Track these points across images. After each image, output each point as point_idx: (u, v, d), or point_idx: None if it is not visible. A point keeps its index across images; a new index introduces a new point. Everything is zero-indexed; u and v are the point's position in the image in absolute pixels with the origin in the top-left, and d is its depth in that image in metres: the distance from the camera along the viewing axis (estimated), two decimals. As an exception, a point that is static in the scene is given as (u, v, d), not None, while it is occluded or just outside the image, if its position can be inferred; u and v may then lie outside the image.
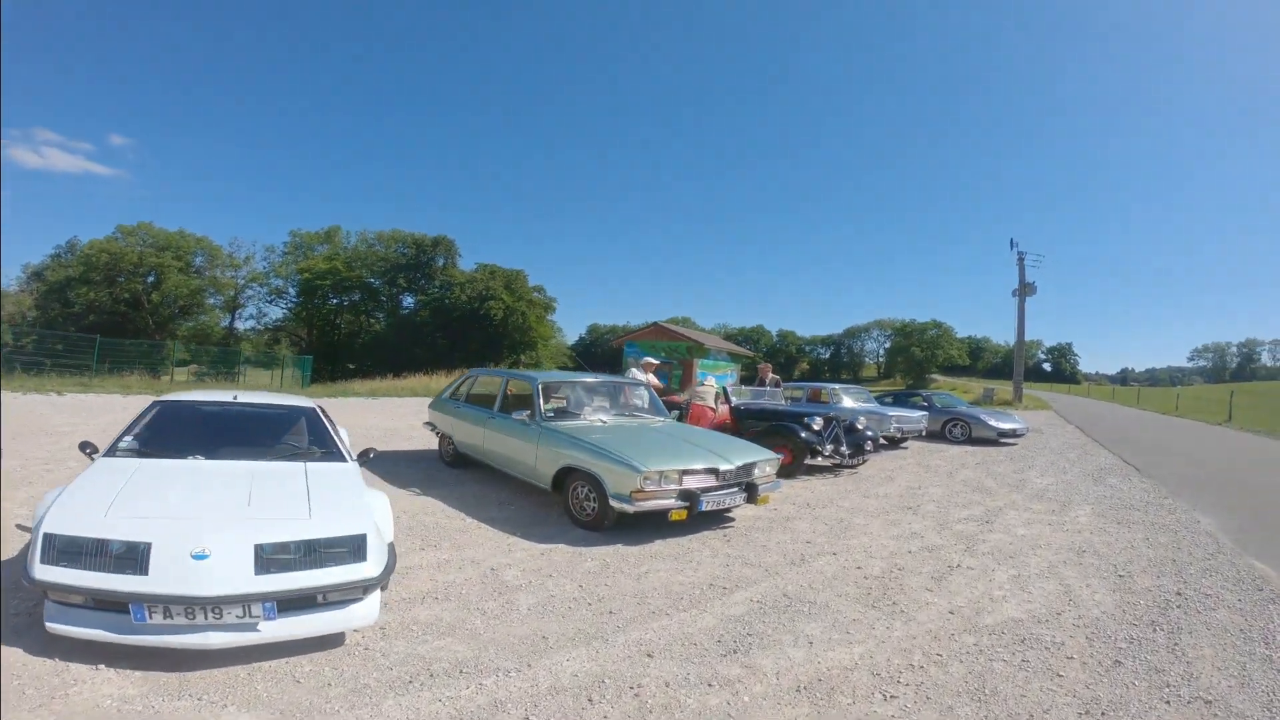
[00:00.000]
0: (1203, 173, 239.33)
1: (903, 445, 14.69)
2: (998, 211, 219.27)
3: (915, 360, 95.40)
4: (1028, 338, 38.64)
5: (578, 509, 6.46)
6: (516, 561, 5.31)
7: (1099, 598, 5.16)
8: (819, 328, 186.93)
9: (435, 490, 7.76)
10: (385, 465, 9.02)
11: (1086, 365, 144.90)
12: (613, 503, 6.02)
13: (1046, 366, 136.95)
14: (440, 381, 29.98)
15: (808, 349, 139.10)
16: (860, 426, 11.05)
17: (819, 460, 10.22)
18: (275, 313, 65.01)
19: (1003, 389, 39.59)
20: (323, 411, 5.76)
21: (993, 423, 15.65)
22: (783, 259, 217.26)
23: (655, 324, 36.87)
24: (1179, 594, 5.32)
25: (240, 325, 65.62)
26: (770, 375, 13.98)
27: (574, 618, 4.26)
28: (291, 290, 61.77)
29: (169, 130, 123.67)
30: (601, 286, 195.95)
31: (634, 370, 12.27)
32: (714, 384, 11.72)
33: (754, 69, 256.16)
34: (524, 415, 7.44)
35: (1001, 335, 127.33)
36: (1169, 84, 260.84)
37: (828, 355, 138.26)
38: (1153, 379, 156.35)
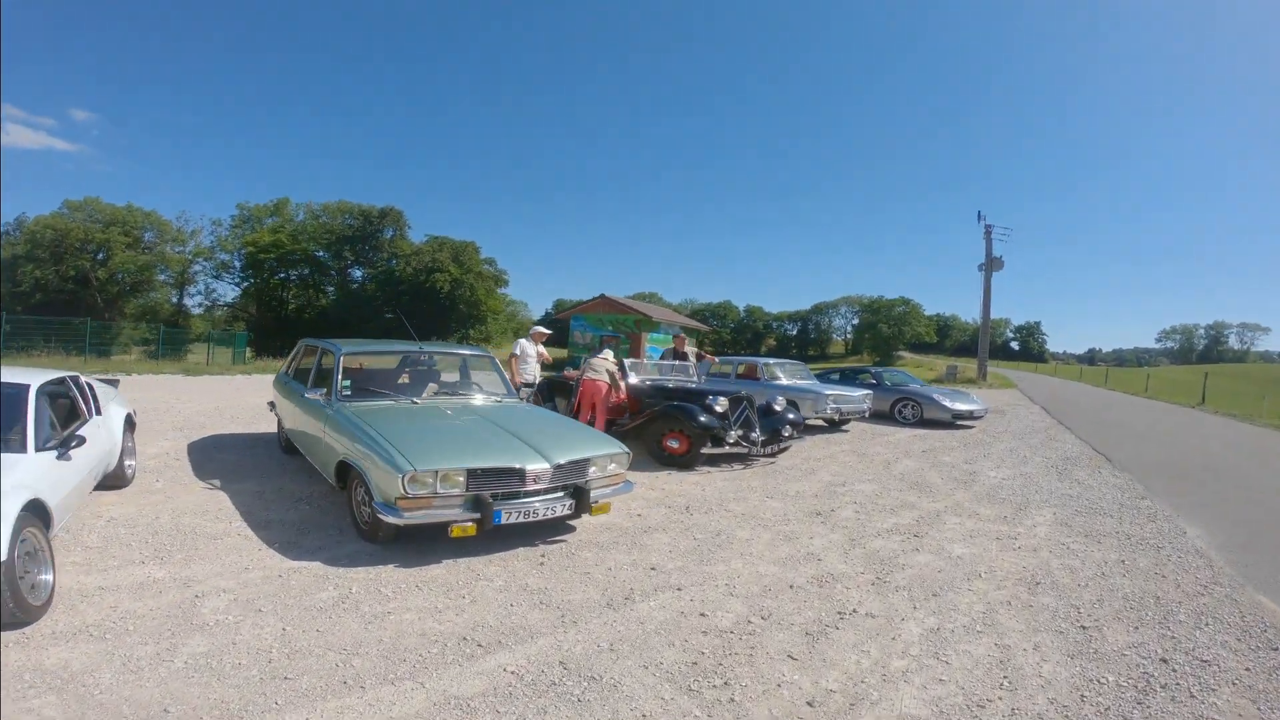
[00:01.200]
0: (1170, 154, 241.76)
1: (843, 428, 12.93)
2: (968, 189, 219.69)
3: (882, 337, 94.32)
4: (996, 316, 37.29)
5: (359, 514, 4.91)
6: (240, 586, 3.94)
7: (1048, 671, 3.39)
8: (787, 304, 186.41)
9: (240, 483, 6.36)
10: (221, 451, 7.87)
11: (1054, 345, 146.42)
12: (379, 513, 4.36)
13: (1015, 345, 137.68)
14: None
15: (775, 325, 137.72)
16: (778, 408, 9.23)
17: (727, 448, 8.34)
18: (224, 289, 62.13)
19: (968, 367, 38.25)
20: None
21: (947, 403, 13.96)
22: (752, 235, 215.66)
23: (602, 296, 34.96)
24: (1164, 661, 3.58)
25: (189, 302, 62.98)
26: (687, 347, 12.07)
27: (230, 681, 2.93)
28: (237, 265, 58.70)
29: (129, 103, 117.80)
30: (570, 263, 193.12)
31: (521, 341, 10.46)
32: (609, 358, 9.81)
33: (719, 49, 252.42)
34: (320, 393, 5.81)
35: (970, 313, 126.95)
36: (1135, 61, 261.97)
37: (795, 331, 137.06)
38: (1120, 360, 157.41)
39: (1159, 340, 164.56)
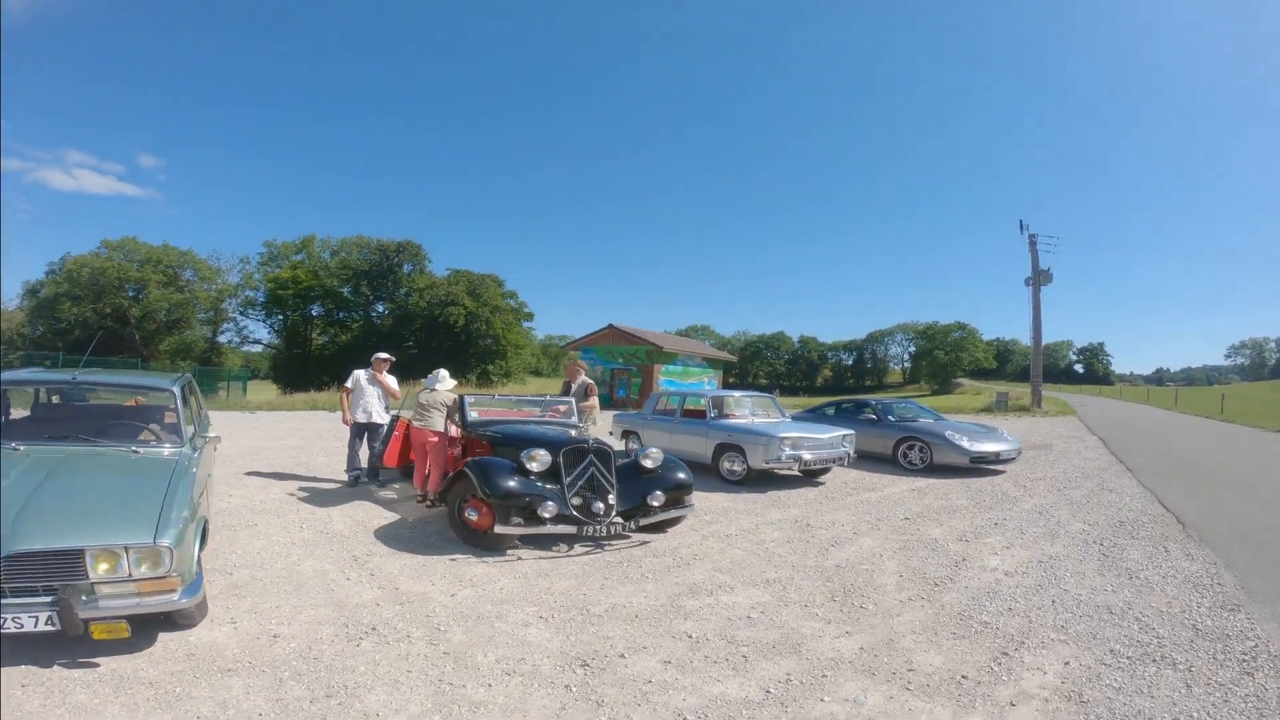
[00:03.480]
0: (1230, 163, 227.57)
1: (817, 480, 9.90)
2: (1024, 210, 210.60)
3: (939, 364, 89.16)
4: (1058, 338, 33.43)
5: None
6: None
7: None
8: (842, 333, 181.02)
9: None
10: None
11: (1120, 366, 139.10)
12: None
13: (1079, 368, 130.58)
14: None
15: (830, 355, 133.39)
16: (650, 465, 6.40)
17: (547, 527, 5.57)
18: (253, 326, 62.87)
19: (1025, 393, 34.10)
20: None
21: (964, 443, 10.77)
22: (806, 264, 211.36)
23: (611, 326, 32.39)
24: None
25: (222, 339, 63.64)
26: (582, 378, 9.16)
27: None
28: (260, 302, 59.03)
29: (188, 149, 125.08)
30: (618, 296, 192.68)
31: (357, 373, 8.65)
32: (441, 388, 7.33)
33: (763, 69, 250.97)
34: None
35: (1030, 336, 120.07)
36: (1196, 73, 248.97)
37: (851, 361, 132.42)
38: (1189, 378, 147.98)
39: (1228, 356, 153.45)
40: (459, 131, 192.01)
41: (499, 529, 5.40)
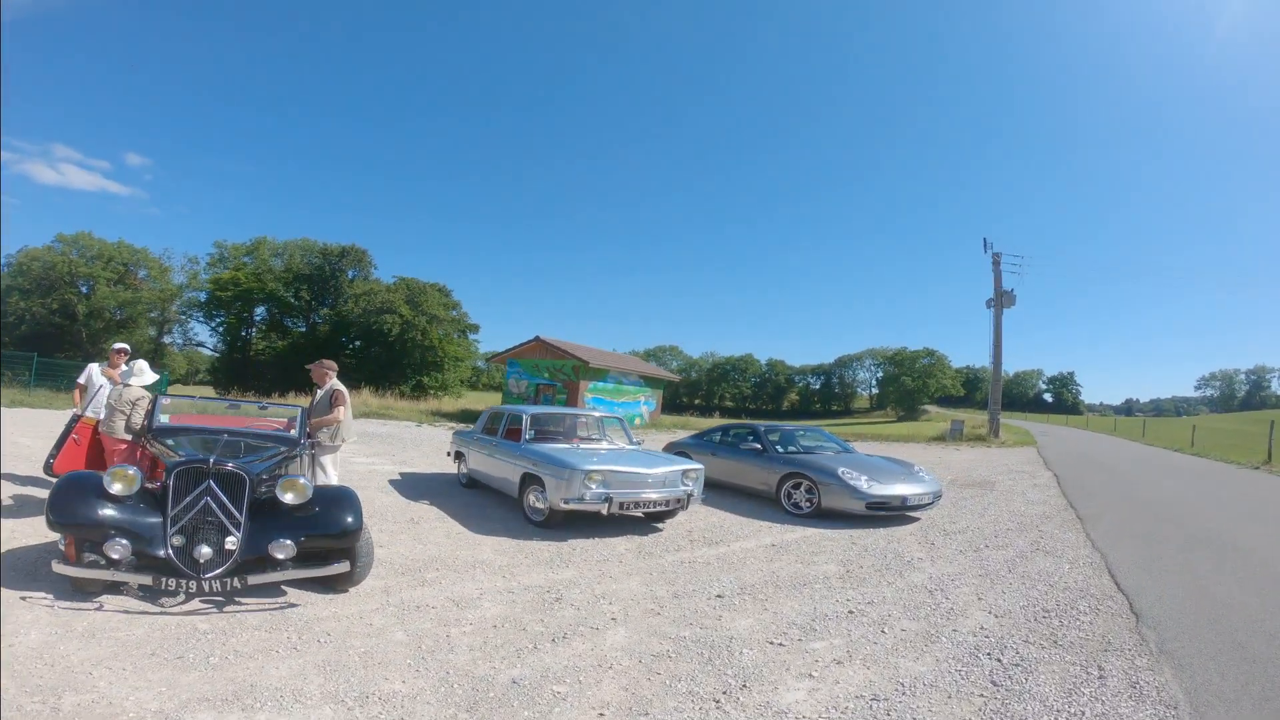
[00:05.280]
0: (1205, 196, 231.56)
1: (656, 525, 7.35)
2: (999, 237, 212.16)
3: (907, 390, 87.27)
4: (1028, 366, 31.20)
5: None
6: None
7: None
8: (810, 356, 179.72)
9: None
10: None
11: (1090, 395, 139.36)
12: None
13: (1048, 397, 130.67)
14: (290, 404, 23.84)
15: (797, 379, 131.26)
16: (291, 500, 4.46)
17: (122, 572, 4.01)
18: (196, 328, 60.23)
19: (982, 420, 31.90)
20: None
21: (860, 485, 8.23)
22: (776, 287, 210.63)
23: (537, 338, 29.67)
24: None
25: (166, 340, 60.64)
26: (332, 382, 6.94)
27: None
28: (201, 303, 56.28)
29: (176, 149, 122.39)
30: (590, 315, 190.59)
31: (91, 367, 7.73)
32: (142, 385, 6.46)
33: (726, 78, 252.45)
34: None
35: (990, 359, 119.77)
36: (1172, 98, 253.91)
37: (819, 385, 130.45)
38: (1158, 409, 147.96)
39: (1198, 387, 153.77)
40: (416, 132, 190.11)
41: (59, 568, 3.96)
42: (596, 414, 9.33)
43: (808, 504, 8.52)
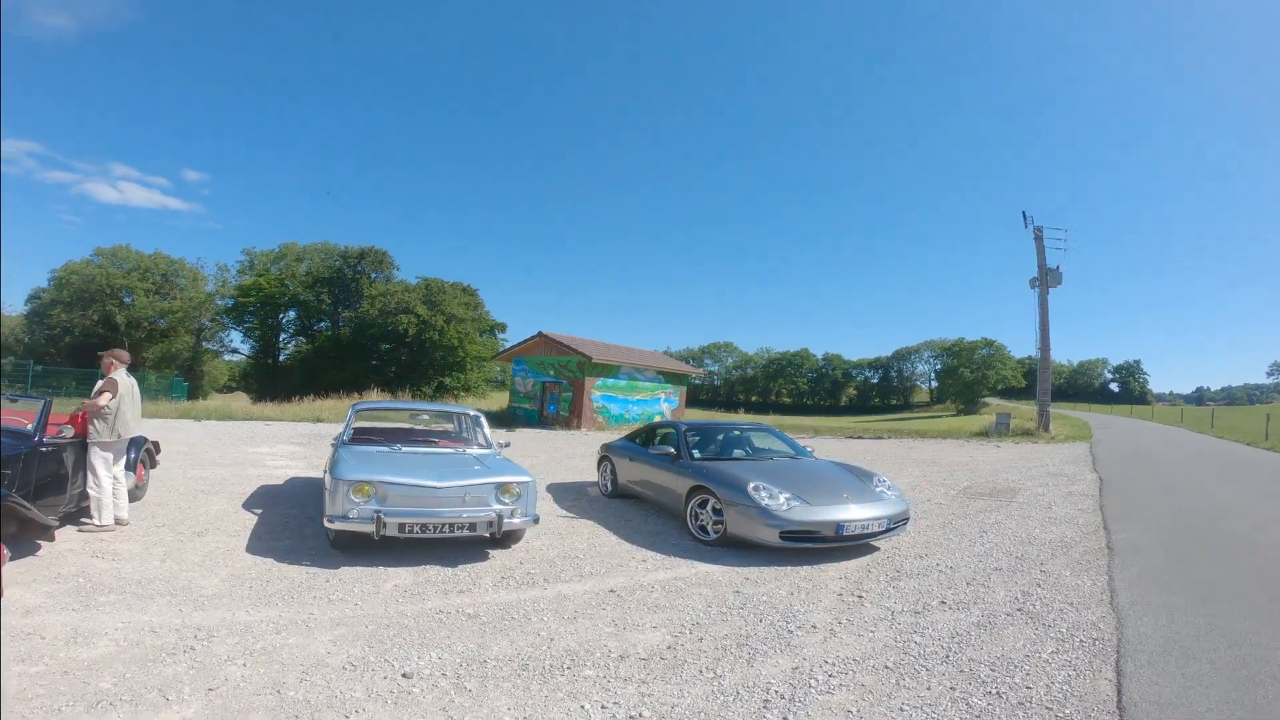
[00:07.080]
0: (1272, 174, 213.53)
1: (490, 550, 5.37)
2: (1051, 214, 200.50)
3: (966, 383, 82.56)
4: (1092, 355, 27.60)
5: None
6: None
7: None
8: (868, 350, 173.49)
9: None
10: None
11: (1159, 384, 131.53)
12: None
13: (1114, 387, 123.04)
14: (326, 407, 25.17)
15: (855, 373, 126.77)
16: None
17: None
18: (234, 336, 61.45)
19: (1032, 413, 28.58)
20: None
21: (773, 506, 6.02)
22: (833, 280, 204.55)
23: (540, 334, 27.93)
24: None
25: (207, 345, 62.14)
26: (115, 373, 6.21)
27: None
28: (228, 309, 57.38)
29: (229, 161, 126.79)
30: (641, 313, 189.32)
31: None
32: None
33: (781, 90, 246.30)
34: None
35: (1062, 354, 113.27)
36: (1238, 81, 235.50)
37: (877, 379, 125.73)
38: (1230, 397, 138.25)
39: (1270, 374, 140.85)
40: (449, 135, 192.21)
41: None
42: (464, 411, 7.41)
43: (715, 528, 6.39)
